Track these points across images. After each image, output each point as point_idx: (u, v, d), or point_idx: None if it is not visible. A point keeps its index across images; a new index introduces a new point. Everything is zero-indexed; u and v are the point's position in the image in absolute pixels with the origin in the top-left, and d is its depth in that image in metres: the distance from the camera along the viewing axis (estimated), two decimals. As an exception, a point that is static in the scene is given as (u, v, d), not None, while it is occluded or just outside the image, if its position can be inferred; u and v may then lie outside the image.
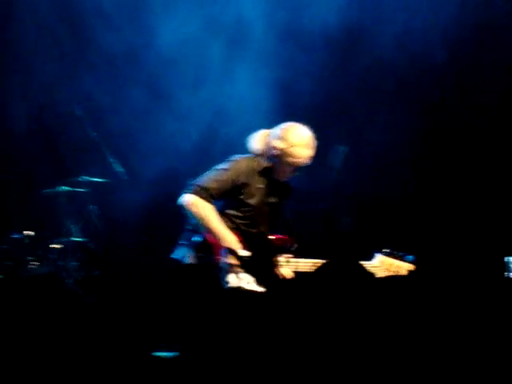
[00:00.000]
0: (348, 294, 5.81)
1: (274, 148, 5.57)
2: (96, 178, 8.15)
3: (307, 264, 5.65)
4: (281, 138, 5.56)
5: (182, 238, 5.60)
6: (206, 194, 5.44)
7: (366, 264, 5.75)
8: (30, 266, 7.81)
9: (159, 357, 6.86)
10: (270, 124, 5.68)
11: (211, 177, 5.49)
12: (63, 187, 8.08)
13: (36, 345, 6.23)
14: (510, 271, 7.64)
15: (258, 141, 5.68)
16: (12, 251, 7.82)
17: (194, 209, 5.44)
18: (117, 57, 8.61)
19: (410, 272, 5.85)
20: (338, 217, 8.33)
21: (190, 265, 5.46)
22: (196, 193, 5.43)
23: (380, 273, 5.80)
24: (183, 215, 5.50)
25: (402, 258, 5.82)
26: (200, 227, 5.46)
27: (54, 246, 7.95)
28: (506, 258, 7.67)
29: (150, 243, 8.19)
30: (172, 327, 5.76)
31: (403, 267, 5.82)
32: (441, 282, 7.95)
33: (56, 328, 7.00)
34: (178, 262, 5.53)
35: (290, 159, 5.55)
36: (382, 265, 5.79)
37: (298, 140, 5.55)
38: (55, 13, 8.61)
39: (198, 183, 5.47)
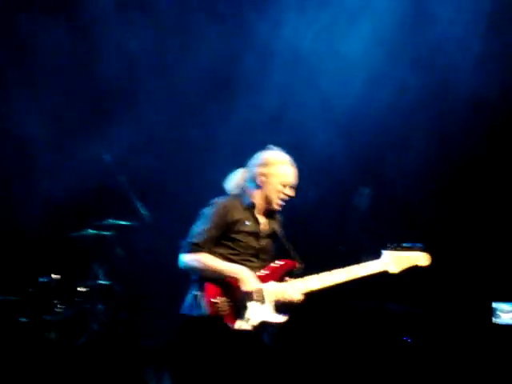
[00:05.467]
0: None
1: (259, 175, 5.68)
2: (122, 221, 8.17)
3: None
4: (262, 164, 5.69)
5: (191, 289, 5.65)
6: (200, 248, 5.54)
7: (377, 263, 5.79)
8: (56, 309, 7.81)
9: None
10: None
11: (200, 228, 5.58)
12: (89, 230, 8.11)
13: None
14: (496, 317, 7.64)
15: (236, 179, 5.79)
16: (38, 295, 7.82)
17: (194, 264, 5.55)
18: (139, 99, 8.70)
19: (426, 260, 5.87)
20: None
21: (204, 317, 5.50)
22: (191, 251, 5.54)
23: (394, 268, 5.80)
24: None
25: (411, 249, 5.83)
26: (208, 277, 5.53)
27: (81, 289, 7.96)
28: (493, 304, 7.69)
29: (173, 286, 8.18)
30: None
31: (417, 257, 5.83)
32: (431, 327, 7.94)
33: (81, 371, 7.06)
34: (189, 316, 5.57)
35: (277, 179, 5.67)
36: (393, 260, 5.81)
37: (278, 159, 5.69)
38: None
39: (190, 241, 5.58)
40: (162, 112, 8.78)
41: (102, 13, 8.70)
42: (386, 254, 5.82)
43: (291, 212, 5.90)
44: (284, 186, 5.69)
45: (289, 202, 5.77)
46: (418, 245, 5.85)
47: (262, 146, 5.86)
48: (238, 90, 8.73)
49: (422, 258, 5.86)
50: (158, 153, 8.69)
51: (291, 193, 5.73)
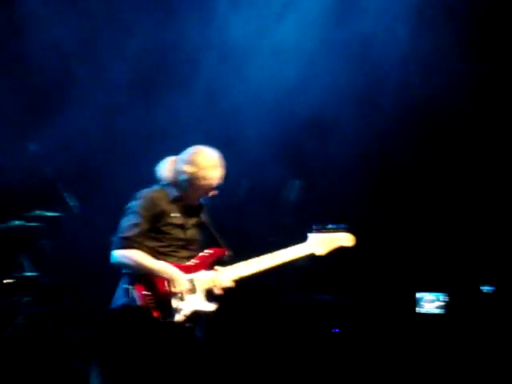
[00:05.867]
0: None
1: (184, 173, 5.66)
2: (49, 213, 8.05)
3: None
4: (190, 163, 5.67)
5: (122, 282, 5.64)
6: (131, 243, 5.53)
7: (303, 246, 5.83)
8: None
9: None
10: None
11: (130, 223, 5.57)
12: (15, 222, 7.96)
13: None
14: (420, 306, 7.79)
15: (166, 168, 5.79)
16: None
17: (126, 261, 5.54)
18: (70, 92, 8.60)
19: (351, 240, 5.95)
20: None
21: (135, 308, 5.50)
22: (121, 247, 5.54)
23: (321, 250, 5.83)
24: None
25: (336, 230, 5.87)
26: (139, 273, 5.53)
27: (6, 281, 7.80)
28: (417, 294, 7.83)
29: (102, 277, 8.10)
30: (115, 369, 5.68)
31: (342, 238, 5.87)
32: (356, 317, 8.03)
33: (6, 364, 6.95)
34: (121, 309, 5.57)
35: (202, 182, 5.66)
36: (319, 242, 5.87)
37: (206, 162, 5.67)
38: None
39: (119, 236, 5.58)
40: (94, 104, 8.70)
41: (33, 5, 8.59)
42: (312, 237, 5.91)
43: (223, 202, 5.89)
44: (207, 188, 5.71)
45: (221, 193, 5.79)
46: (343, 226, 5.94)
47: (194, 138, 5.86)
48: (169, 82, 8.71)
49: (346, 239, 5.94)
50: (88, 144, 8.59)
51: (214, 193, 5.75)
